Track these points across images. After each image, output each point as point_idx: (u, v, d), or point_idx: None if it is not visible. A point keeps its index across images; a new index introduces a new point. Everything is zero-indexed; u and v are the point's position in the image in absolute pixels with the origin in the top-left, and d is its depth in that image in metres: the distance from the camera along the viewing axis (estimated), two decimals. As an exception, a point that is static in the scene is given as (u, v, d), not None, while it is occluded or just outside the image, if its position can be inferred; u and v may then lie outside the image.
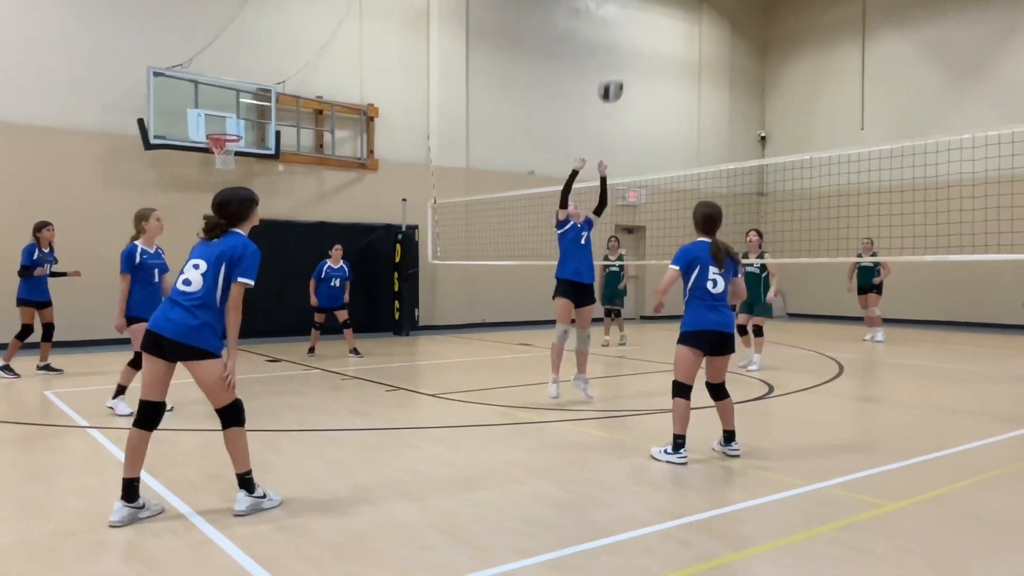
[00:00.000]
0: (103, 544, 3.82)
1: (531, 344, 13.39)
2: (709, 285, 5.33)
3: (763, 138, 21.54)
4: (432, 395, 8.24)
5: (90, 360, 10.89)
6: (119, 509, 4.04)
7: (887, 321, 15.24)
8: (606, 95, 8.43)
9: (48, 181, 12.05)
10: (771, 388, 8.65)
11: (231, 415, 4.24)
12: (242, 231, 4.34)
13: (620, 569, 3.52)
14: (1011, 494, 4.70)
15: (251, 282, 4.19)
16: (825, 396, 8.29)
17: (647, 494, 4.69)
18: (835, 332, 15.85)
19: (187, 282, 4.14)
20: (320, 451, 5.73)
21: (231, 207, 4.31)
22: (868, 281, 14.02)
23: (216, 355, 4.14)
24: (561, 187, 7.85)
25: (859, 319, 14.63)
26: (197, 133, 12.66)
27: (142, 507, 4.12)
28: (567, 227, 7.82)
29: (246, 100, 13.42)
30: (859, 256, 13.38)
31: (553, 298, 7.68)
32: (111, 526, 3.99)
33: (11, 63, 11.79)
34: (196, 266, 4.17)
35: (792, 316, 20.36)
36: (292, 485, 4.76)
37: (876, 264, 13.44)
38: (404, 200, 15.09)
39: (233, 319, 4.15)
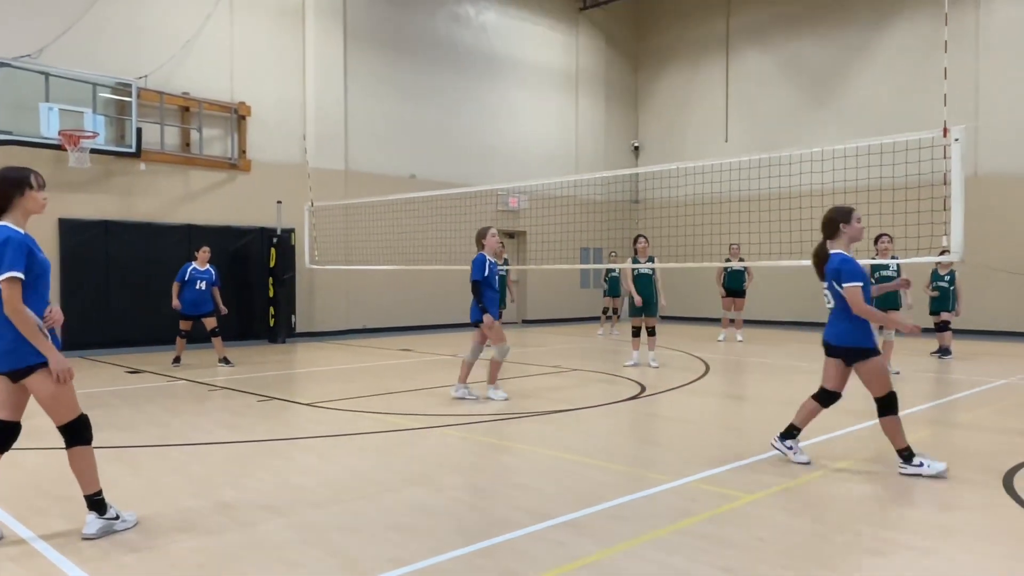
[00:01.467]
0: (-74, 580, 3.45)
1: (412, 349, 13.27)
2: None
3: (637, 148, 22.36)
4: (307, 404, 7.99)
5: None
6: None
7: (748, 322, 16.18)
8: None
9: None
10: (643, 388, 8.96)
11: (75, 433, 3.90)
12: (9, 222, 3.78)
13: (494, 572, 3.53)
14: (858, 483, 5.08)
15: (17, 274, 3.64)
16: (693, 394, 8.68)
17: (519, 497, 4.74)
18: (704, 333, 16.65)
19: None
20: (183, 467, 5.44)
21: None
22: (739, 285, 14.91)
23: (42, 365, 3.76)
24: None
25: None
26: (48, 129, 11.74)
27: None
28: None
29: (104, 95, 12.57)
30: (727, 261, 14.16)
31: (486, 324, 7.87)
32: None
33: None
34: None
35: (664, 318, 21.21)
36: (151, 504, 4.49)
37: (745, 269, 14.29)
38: (279, 202, 14.59)
39: (20, 319, 3.65)
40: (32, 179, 3.87)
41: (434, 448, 5.98)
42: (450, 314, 16.35)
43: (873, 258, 9.44)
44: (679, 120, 21.28)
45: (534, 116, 19.81)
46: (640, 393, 8.67)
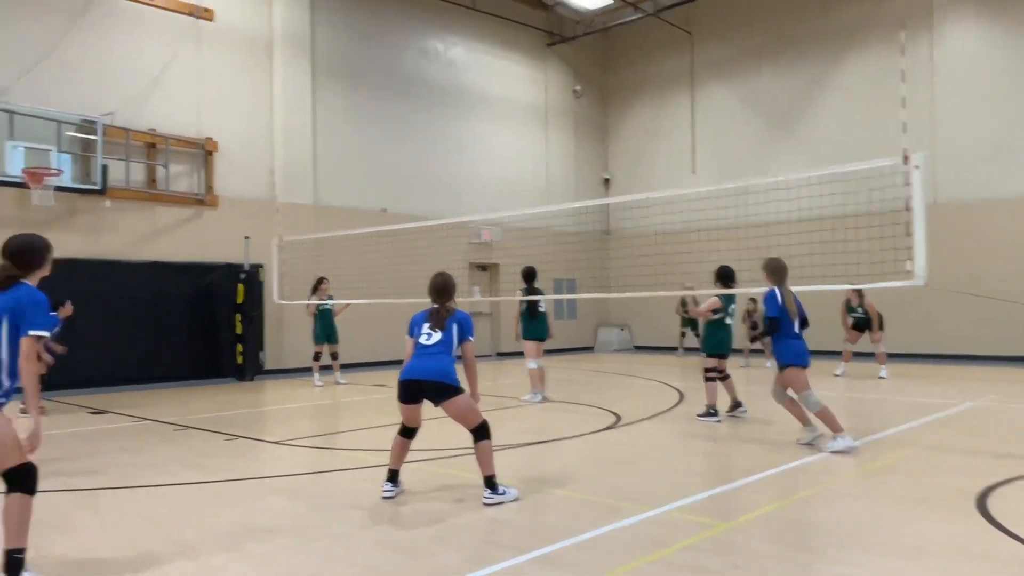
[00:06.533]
0: None
1: (386, 385, 13.11)
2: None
3: (607, 180, 22.59)
4: (276, 442, 7.83)
5: None
6: None
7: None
8: None
9: None
10: (618, 417, 8.92)
11: (19, 480, 3.72)
12: (31, 281, 4.01)
13: (466, 610, 3.43)
14: (830, 508, 5.06)
15: (44, 333, 3.92)
16: (667, 423, 8.65)
17: (495, 531, 4.65)
18: (680, 362, 16.69)
19: None
20: (145, 509, 5.26)
21: (27, 256, 4.01)
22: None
23: None
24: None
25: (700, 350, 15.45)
26: (13, 167, 11.56)
27: None
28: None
29: (69, 132, 12.42)
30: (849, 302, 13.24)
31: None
32: None
33: None
34: None
35: (638, 348, 21.26)
36: (111, 547, 4.32)
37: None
38: (247, 238, 14.44)
39: (31, 373, 3.79)
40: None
41: (405, 483, 5.85)
42: (423, 348, 16.16)
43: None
44: (647, 152, 21.57)
45: (505, 149, 19.95)
46: (616, 423, 8.62)
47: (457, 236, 15.84)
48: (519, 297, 10.68)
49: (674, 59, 20.90)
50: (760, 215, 10.52)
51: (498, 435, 7.21)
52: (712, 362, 8.83)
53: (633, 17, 19.84)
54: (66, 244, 12.63)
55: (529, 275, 10.57)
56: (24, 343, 3.80)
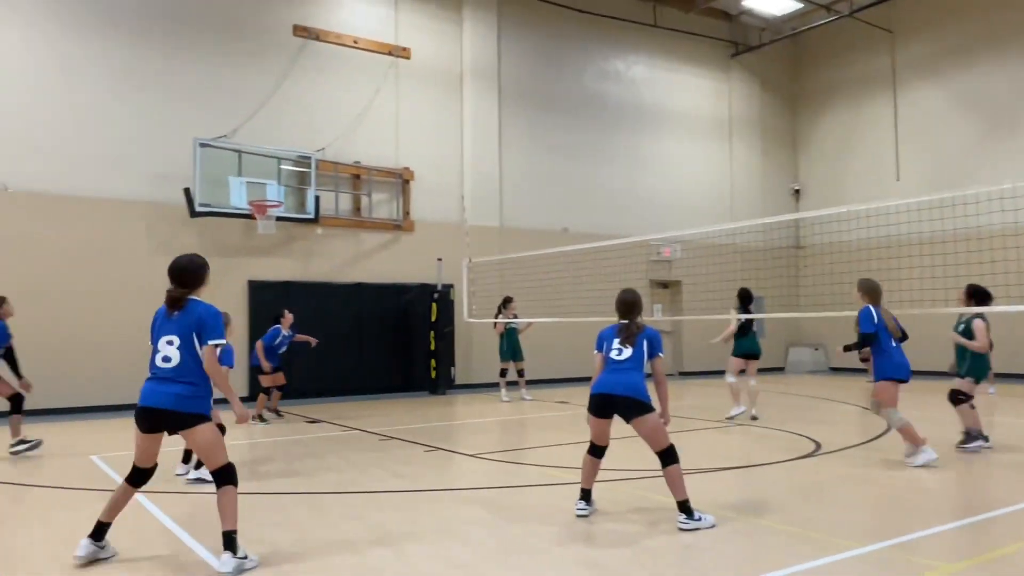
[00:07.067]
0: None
1: (568, 402, 13.27)
2: None
3: (797, 191, 21.48)
4: (471, 455, 8.18)
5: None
6: (84, 545, 4.37)
7: (932, 374, 14.83)
8: None
9: (101, 249, 12.45)
10: (818, 445, 8.43)
11: (227, 476, 4.42)
12: (199, 297, 4.58)
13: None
14: (1078, 556, 4.47)
15: (223, 342, 4.50)
16: (873, 452, 8.03)
17: (691, 557, 4.56)
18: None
19: (166, 359, 4.40)
20: (360, 513, 5.70)
21: (187, 278, 4.54)
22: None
23: (208, 418, 4.43)
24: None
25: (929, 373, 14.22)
26: (240, 200, 13.06)
27: (103, 547, 4.46)
28: None
29: (287, 167, 13.85)
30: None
31: None
32: (76, 558, 4.33)
33: (64, 137, 12.35)
34: (170, 342, 4.42)
35: (834, 370, 19.92)
36: (333, 546, 4.74)
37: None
38: (439, 260, 15.28)
39: (221, 376, 4.50)
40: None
41: (598, 502, 5.88)
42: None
43: None
44: (843, 160, 20.27)
45: (686, 164, 19.61)
46: (816, 451, 8.15)
47: (637, 254, 15.75)
48: (734, 316, 10.88)
49: (872, 60, 19.52)
50: (980, 226, 9.50)
51: (688, 459, 7.08)
52: (967, 384, 8.00)
53: (826, 20, 18.80)
54: (283, 268, 14.09)
55: (746, 297, 10.84)
56: (207, 352, 4.40)
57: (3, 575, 4.32)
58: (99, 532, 4.43)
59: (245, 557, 4.29)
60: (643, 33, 18.83)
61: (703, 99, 20.14)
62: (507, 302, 13.88)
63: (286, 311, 11.31)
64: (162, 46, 13.17)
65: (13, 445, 8.28)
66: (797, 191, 21.49)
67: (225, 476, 4.39)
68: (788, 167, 21.64)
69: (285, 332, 11.19)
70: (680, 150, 19.57)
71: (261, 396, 11.12)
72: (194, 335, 4.40)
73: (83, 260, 12.29)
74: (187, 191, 12.73)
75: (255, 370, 11.33)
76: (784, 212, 19.34)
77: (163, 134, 13.00)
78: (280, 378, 11.16)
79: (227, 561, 4.20)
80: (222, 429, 6.78)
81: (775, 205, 20.62)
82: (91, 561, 4.38)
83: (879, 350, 7.18)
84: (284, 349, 11.23)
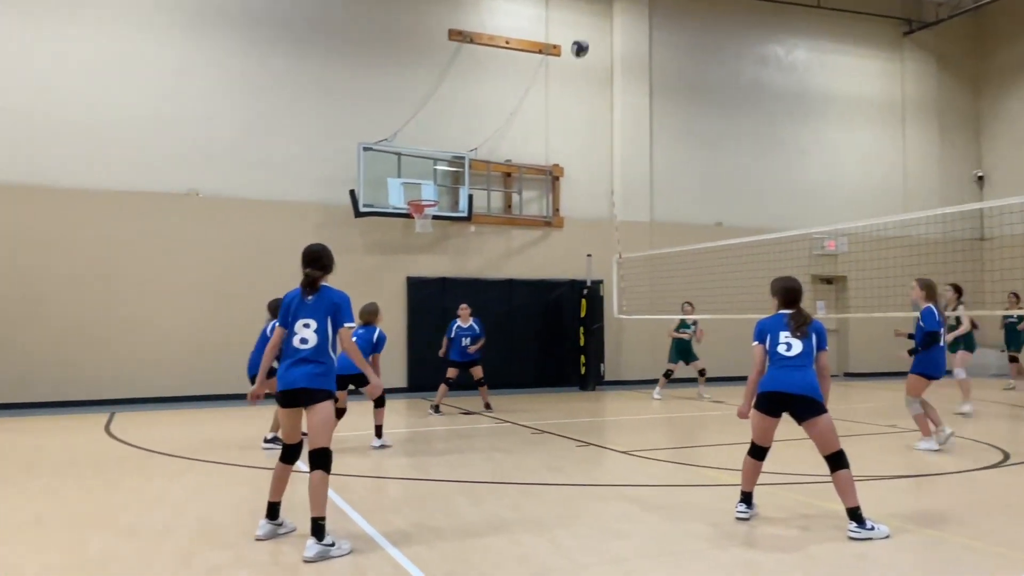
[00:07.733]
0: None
1: (723, 401, 12.86)
2: None
3: (980, 178, 19.58)
4: (624, 452, 8.13)
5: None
6: (263, 525, 4.74)
7: None
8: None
9: (275, 249, 13.48)
10: (1006, 455, 7.66)
11: (322, 460, 4.54)
12: (328, 283, 4.85)
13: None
14: None
15: (354, 325, 4.88)
16: (1077, 467, 7.19)
17: (863, 568, 4.28)
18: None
19: (304, 340, 4.68)
20: (514, 502, 5.82)
21: (324, 260, 4.86)
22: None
23: (332, 395, 4.68)
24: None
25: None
26: (398, 200, 13.70)
27: (280, 524, 4.80)
28: None
29: (441, 167, 14.37)
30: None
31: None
32: (257, 539, 4.67)
33: (244, 146, 13.48)
34: (307, 325, 4.69)
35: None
36: (487, 534, 4.87)
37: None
38: (589, 256, 15.27)
39: (356, 354, 4.84)
40: None
41: (759, 506, 5.66)
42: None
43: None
44: (1036, 143, 18.25)
45: (851, 152, 18.42)
46: (1002, 460, 7.41)
47: (798, 248, 14.96)
48: (964, 313, 10.98)
49: (1072, 29, 17.43)
50: None
51: (859, 465, 6.66)
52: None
53: (1015, -12, 17.02)
54: (439, 265, 14.62)
55: (958, 290, 10.75)
56: (343, 333, 4.74)
57: (202, 545, 4.77)
58: (272, 511, 4.77)
59: (332, 544, 4.40)
60: (805, 15, 17.87)
61: (872, 82, 18.81)
62: (684, 306, 13.43)
63: (464, 304, 11.59)
64: (324, 58, 14.06)
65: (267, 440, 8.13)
66: (980, 178, 19.60)
67: (321, 459, 4.51)
68: (970, 152, 19.76)
69: (462, 325, 11.40)
70: (845, 137, 18.40)
71: (441, 386, 11.36)
72: (328, 318, 4.70)
73: (261, 258, 13.35)
74: (352, 193, 13.52)
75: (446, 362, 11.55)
76: (966, 201, 17.67)
77: (329, 140, 13.89)
78: (452, 372, 11.34)
79: (311, 547, 4.35)
80: (342, 412, 7.19)
81: (955, 194, 18.90)
82: (271, 537, 4.74)
83: (934, 346, 7.73)
84: (467, 343, 11.37)
